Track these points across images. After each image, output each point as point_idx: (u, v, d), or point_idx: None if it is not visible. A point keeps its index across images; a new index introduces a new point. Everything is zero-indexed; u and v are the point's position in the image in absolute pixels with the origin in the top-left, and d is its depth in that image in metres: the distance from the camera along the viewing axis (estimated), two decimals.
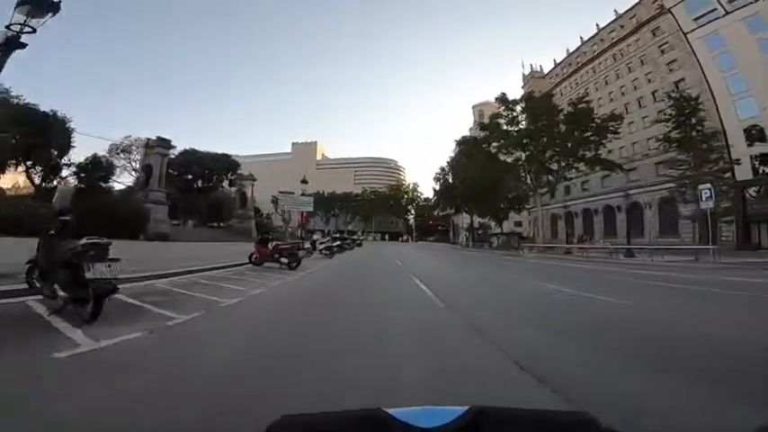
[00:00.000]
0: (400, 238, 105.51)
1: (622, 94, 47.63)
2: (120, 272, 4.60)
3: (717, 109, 34.60)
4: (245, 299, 6.76)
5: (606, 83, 50.91)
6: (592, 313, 6.18)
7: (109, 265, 4.22)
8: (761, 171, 31.77)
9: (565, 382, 2.82)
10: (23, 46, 6.66)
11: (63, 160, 33.39)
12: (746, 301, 7.75)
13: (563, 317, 5.88)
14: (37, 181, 31.38)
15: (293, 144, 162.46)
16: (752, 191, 32.28)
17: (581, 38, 62.10)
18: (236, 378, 2.87)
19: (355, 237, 51.52)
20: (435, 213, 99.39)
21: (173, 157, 39.92)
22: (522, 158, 34.35)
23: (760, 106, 31.95)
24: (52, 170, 32.71)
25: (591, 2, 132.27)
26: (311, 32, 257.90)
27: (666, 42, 43.48)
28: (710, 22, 39.56)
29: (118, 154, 38.09)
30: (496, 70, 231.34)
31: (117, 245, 5.00)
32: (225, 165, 45.94)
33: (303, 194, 21.66)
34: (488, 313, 6.18)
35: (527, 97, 36.68)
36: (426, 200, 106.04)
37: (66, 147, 33.05)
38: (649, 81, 44.46)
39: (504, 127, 35.73)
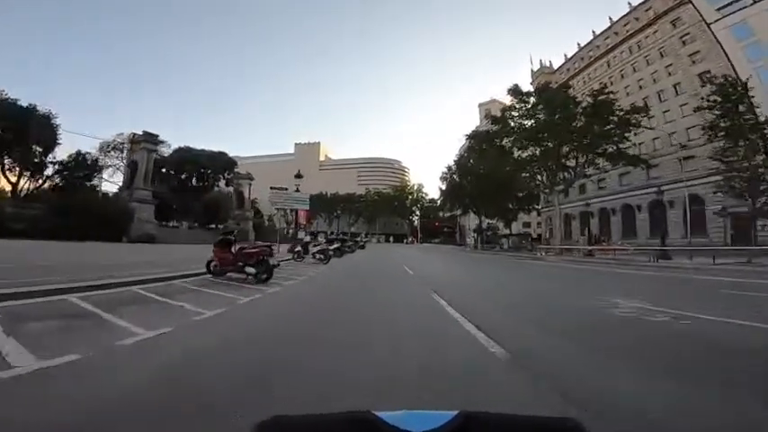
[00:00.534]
0: (405, 240, 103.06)
1: (640, 87, 45.21)
2: None
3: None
4: (104, 358, 3.16)
5: (622, 76, 48.49)
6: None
7: None
8: None
9: None
10: None
11: (48, 158, 31.56)
12: None
13: (721, 366, 3.29)
14: (13, 179, 29.24)
15: (296, 145, 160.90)
16: None
17: (593, 31, 60.18)
18: None
19: (358, 239, 49.24)
20: (441, 214, 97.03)
21: (166, 155, 38.02)
22: (537, 153, 31.90)
23: None
24: (36, 168, 30.84)
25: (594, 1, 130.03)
26: (313, 33, 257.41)
27: (688, 33, 41.09)
28: (736, 11, 37.31)
29: (109, 152, 36.14)
30: (501, 69, 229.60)
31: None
32: (221, 163, 43.69)
33: (298, 190, 19.39)
34: (596, 371, 3.18)
35: (542, 88, 34.28)
36: (431, 201, 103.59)
37: (51, 144, 31.18)
38: (670, 74, 42.05)
39: (518, 121, 33.38)
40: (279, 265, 8.99)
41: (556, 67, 67.13)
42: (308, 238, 17.72)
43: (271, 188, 18.34)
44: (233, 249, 8.74)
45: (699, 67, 38.62)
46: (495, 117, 34.76)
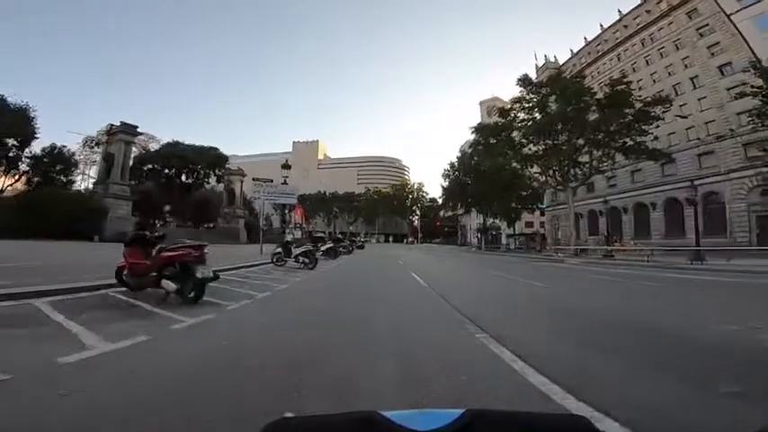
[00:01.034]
0: (405, 240, 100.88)
1: (654, 81, 43.11)
2: None
3: None
4: None
5: (634, 70, 46.36)
6: None
7: None
8: None
9: None
10: None
11: (25, 152, 29.30)
12: None
13: None
14: None
15: (294, 143, 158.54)
16: None
17: (601, 25, 58.48)
18: None
19: (356, 238, 47.02)
20: (442, 214, 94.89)
21: (152, 150, 35.84)
22: (548, 147, 29.75)
23: None
24: (12, 163, 28.58)
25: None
26: (312, 30, 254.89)
27: (706, 25, 39.02)
28: (758, 1, 35.32)
29: (92, 147, 33.94)
30: (503, 67, 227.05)
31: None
32: (211, 158, 41.17)
33: (285, 183, 17.09)
34: None
35: (554, 78, 32.12)
36: (432, 200, 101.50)
37: (29, 138, 28.99)
38: (686, 66, 39.97)
39: (528, 113, 31.22)
40: (217, 277, 6.06)
41: (561, 62, 65.22)
42: (289, 237, 14.29)
43: (253, 180, 16.21)
44: (151, 251, 5.85)
45: (719, 58, 36.57)
46: (503, 109, 32.54)
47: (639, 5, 49.05)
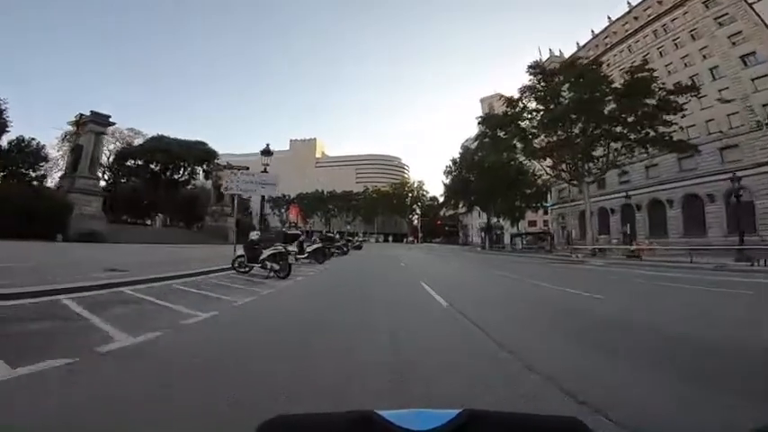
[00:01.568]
0: (405, 240, 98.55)
1: (669, 73, 40.90)
2: None
3: None
4: None
5: (647, 61, 44.19)
6: None
7: None
8: None
9: None
10: None
11: None
12: None
13: None
14: None
15: (291, 141, 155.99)
16: None
17: (609, 17, 56.67)
18: None
19: (351, 238, 44.57)
20: (442, 213, 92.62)
21: (136, 145, 33.44)
22: (563, 139, 27.56)
23: None
24: None
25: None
26: (311, 29, 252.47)
27: (725, 14, 36.91)
28: None
29: (70, 142, 31.54)
30: (503, 66, 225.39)
31: None
32: (198, 153, 38.45)
33: (265, 171, 14.55)
34: None
35: (568, 65, 29.94)
36: (432, 199, 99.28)
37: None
38: (705, 57, 37.87)
39: (538, 103, 29.04)
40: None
41: (567, 56, 63.17)
42: (254, 236, 10.57)
43: (224, 167, 13.90)
44: None
45: (741, 48, 34.47)
46: (512, 99, 30.24)
47: None
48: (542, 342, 4.27)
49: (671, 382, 2.91)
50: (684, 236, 34.66)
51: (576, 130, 27.64)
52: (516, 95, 30.32)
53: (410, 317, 5.78)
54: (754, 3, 34.89)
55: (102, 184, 37.16)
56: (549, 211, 58.89)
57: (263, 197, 19.37)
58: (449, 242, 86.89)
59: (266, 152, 14.27)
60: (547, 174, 33.05)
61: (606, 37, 54.49)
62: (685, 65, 39.52)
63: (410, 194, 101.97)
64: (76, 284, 6.15)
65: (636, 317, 6.07)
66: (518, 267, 17.55)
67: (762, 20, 33.68)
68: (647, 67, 26.98)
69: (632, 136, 26.53)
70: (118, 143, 37.41)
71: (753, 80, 32.44)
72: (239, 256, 10.42)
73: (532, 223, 72.64)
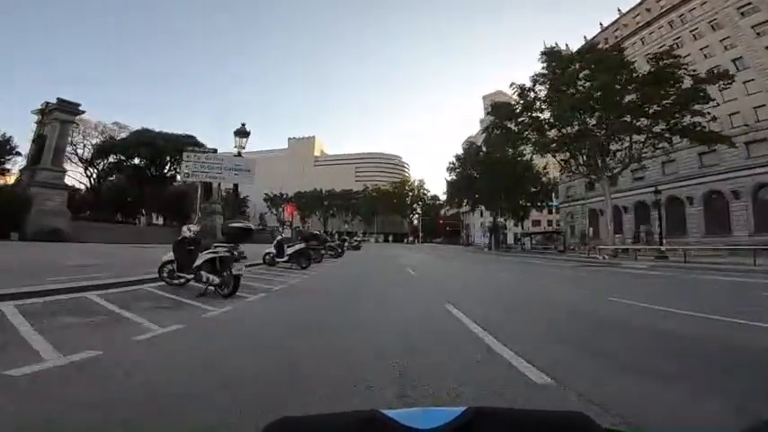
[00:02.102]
0: (405, 240, 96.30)
1: (688, 64, 39.07)
2: None
3: None
4: None
5: (672, 48, 42.46)
6: None
7: None
8: None
9: None
10: None
11: None
12: None
13: None
14: None
15: (289, 139, 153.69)
16: None
17: (619, 9, 54.82)
18: None
19: (352, 238, 42.37)
20: (444, 212, 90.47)
21: (120, 138, 31.22)
22: (581, 130, 25.47)
23: None
24: None
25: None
26: (309, 27, 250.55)
27: (748, 3, 35.03)
28: None
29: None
30: (504, 64, 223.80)
31: None
32: (182, 147, 35.43)
33: (239, 155, 11.92)
34: None
35: (587, 50, 27.90)
36: (434, 198, 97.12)
37: None
38: (726, 48, 35.96)
39: (553, 92, 26.97)
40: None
41: (574, 50, 61.34)
42: (187, 231, 7.48)
43: (183, 151, 11.65)
44: None
45: (766, 39, 32.59)
46: (523, 87, 28.10)
47: None
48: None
49: None
50: (706, 235, 32.68)
51: (594, 121, 25.61)
52: (528, 84, 28.26)
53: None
54: None
55: (85, 180, 35.20)
56: (557, 210, 56.95)
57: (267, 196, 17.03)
58: (450, 242, 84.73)
59: (241, 132, 11.55)
60: (562, 167, 30.87)
61: (616, 30, 52.55)
62: (705, 56, 37.51)
63: (411, 193, 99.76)
64: None
65: None
66: (539, 271, 14.93)
67: None
68: (673, 52, 24.90)
69: (657, 128, 24.48)
70: (101, 137, 35.27)
71: None
72: (168, 262, 7.58)
73: (536, 223, 70.61)
